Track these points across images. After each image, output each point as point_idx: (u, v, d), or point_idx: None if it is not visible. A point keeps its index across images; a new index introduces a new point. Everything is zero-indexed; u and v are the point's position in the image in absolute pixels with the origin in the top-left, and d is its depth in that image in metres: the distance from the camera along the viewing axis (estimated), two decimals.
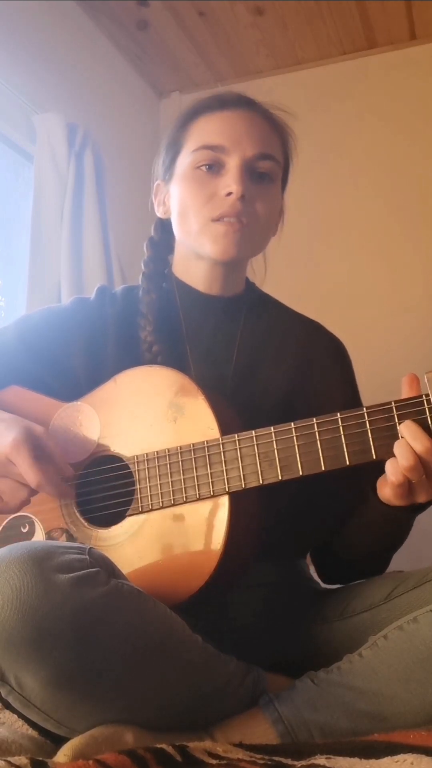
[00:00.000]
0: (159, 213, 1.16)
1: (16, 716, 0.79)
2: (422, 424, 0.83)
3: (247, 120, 1.06)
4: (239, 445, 0.89)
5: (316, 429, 0.87)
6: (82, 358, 1.08)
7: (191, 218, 1.05)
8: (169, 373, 0.97)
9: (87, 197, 2.12)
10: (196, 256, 1.09)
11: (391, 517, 0.94)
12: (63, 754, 0.72)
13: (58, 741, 0.77)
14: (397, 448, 0.83)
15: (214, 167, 1.05)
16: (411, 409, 0.83)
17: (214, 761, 0.71)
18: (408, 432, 0.83)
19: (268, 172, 1.06)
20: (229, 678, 0.85)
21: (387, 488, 0.88)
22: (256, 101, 1.11)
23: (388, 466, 0.85)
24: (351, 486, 0.98)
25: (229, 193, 1.02)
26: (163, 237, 1.15)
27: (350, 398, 1.12)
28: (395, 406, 0.84)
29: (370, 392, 1.09)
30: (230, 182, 1.02)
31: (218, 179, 1.04)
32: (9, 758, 0.67)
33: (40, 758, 0.70)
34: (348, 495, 1.01)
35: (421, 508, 0.93)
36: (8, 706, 0.78)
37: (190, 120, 1.09)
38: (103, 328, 1.10)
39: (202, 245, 1.06)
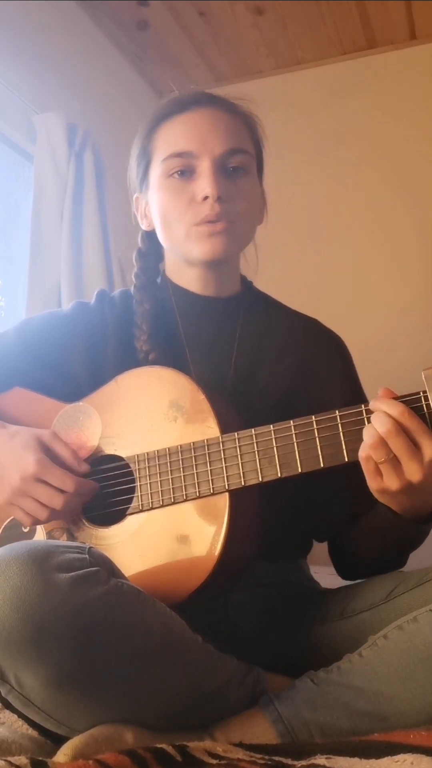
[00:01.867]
0: (143, 226, 1.15)
1: (16, 716, 0.79)
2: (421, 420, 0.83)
3: (209, 118, 1.06)
4: (239, 443, 0.89)
5: (315, 426, 0.87)
6: (83, 361, 1.08)
7: (174, 227, 1.06)
8: (169, 373, 0.98)
9: (87, 197, 2.13)
10: (186, 262, 1.09)
11: (395, 524, 0.93)
12: (63, 754, 0.72)
13: (58, 741, 0.77)
14: (365, 429, 0.84)
15: (186, 172, 1.04)
16: (409, 405, 0.83)
17: (214, 761, 0.71)
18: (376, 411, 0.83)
19: (241, 166, 1.06)
20: (229, 678, 0.85)
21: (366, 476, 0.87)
22: (217, 95, 1.10)
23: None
24: (351, 485, 0.98)
25: (206, 197, 1.02)
26: (151, 247, 1.15)
27: (352, 394, 1.12)
28: None
29: (371, 391, 1.09)
30: (204, 186, 1.02)
31: (193, 184, 1.04)
32: (9, 758, 0.67)
33: (40, 758, 0.70)
34: (348, 494, 1.01)
35: (426, 519, 0.92)
36: (8, 706, 0.78)
37: (154, 128, 1.09)
38: (103, 331, 1.11)
39: (189, 251, 1.06)
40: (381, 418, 0.82)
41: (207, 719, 0.83)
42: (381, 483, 0.84)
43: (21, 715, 0.79)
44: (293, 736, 0.80)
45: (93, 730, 0.75)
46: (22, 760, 0.67)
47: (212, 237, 1.03)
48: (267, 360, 1.11)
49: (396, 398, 0.84)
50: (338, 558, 1.11)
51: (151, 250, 1.16)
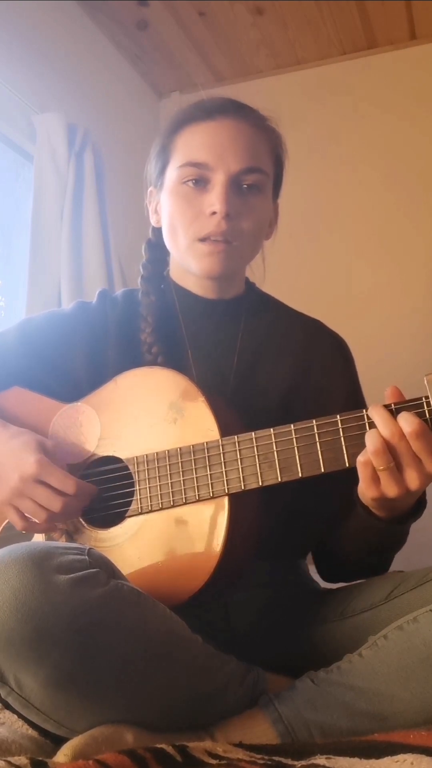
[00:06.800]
0: (153, 221, 1.15)
1: (16, 716, 0.79)
2: None
3: (232, 131, 1.04)
4: (239, 446, 0.89)
5: (315, 431, 0.86)
6: (84, 361, 1.08)
7: (179, 236, 1.06)
8: (169, 374, 0.97)
9: (87, 197, 2.12)
10: (187, 270, 1.10)
11: (373, 526, 0.93)
12: (63, 754, 0.72)
13: (58, 741, 0.77)
14: (367, 434, 0.83)
15: (200, 182, 1.04)
16: (411, 410, 0.83)
17: (214, 761, 0.71)
18: (378, 417, 0.83)
19: (255, 184, 1.05)
20: (229, 678, 0.85)
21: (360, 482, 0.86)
22: (245, 106, 1.09)
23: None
24: (341, 486, 0.97)
25: (214, 213, 1.02)
26: (160, 239, 1.15)
27: (352, 396, 1.12)
28: (395, 408, 0.84)
29: (374, 393, 1.09)
30: (214, 201, 1.02)
31: (204, 196, 1.04)
32: (9, 758, 0.67)
33: (40, 758, 0.70)
34: (337, 498, 1.00)
35: (403, 519, 0.92)
36: (8, 707, 0.79)
37: (177, 129, 1.08)
38: (104, 331, 1.11)
39: (189, 263, 1.06)
40: (386, 420, 0.81)
41: (207, 719, 0.83)
42: (377, 490, 0.83)
43: (21, 716, 0.79)
44: (293, 736, 0.81)
45: (93, 731, 0.75)
46: (22, 760, 0.67)
47: (211, 256, 1.03)
48: (269, 361, 1.11)
49: (398, 403, 0.84)
50: (320, 560, 1.11)
51: (161, 241, 1.15)
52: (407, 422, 0.81)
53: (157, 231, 1.16)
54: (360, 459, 0.83)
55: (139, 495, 0.93)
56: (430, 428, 0.82)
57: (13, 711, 0.78)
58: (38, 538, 0.98)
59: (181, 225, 1.05)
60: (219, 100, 1.09)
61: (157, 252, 1.16)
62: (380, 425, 0.82)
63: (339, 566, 1.08)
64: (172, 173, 1.07)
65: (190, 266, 1.06)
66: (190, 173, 1.04)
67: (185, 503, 0.90)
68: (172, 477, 0.91)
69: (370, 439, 0.82)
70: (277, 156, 1.12)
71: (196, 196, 1.04)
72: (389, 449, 0.81)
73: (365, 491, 0.85)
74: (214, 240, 1.02)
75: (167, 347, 1.07)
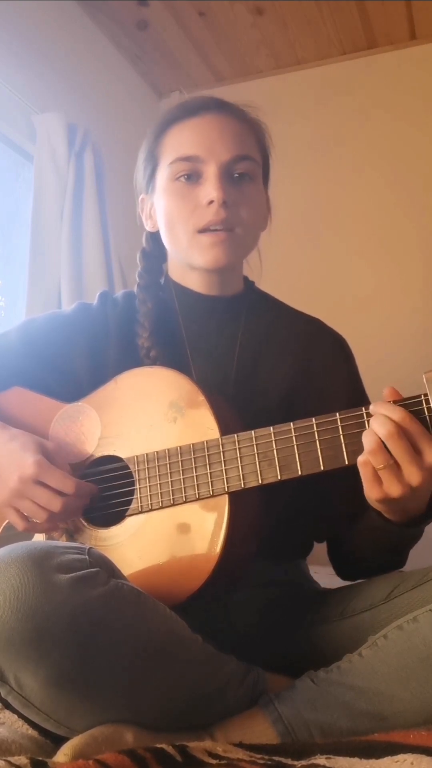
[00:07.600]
0: (147, 227, 1.16)
1: (16, 716, 0.79)
2: (422, 425, 0.83)
3: (217, 124, 1.06)
4: (238, 445, 0.89)
5: (315, 429, 0.87)
6: (85, 361, 1.08)
7: (179, 232, 1.06)
8: (169, 373, 0.98)
9: (87, 197, 2.13)
10: (190, 266, 1.10)
11: (387, 529, 0.92)
12: (63, 754, 0.72)
13: (58, 741, 0.77)
14: (364, 434, 0.83)
15: (193, 177, 1.05)
16: (410, 408, 0.83)
17: (214, 761, 0.71)
18: (376, 416, 0.83)
19: (246, 173, 1.06)
20: (229, 678, 0.85)
21: (363, 483, 0.86)
22: (226, 102, 1.10)
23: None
24: (351, 485, 0.97)
25: (211, 201, 1.02)
26: (155, 247, 1.16)
27: (354, 394, 1.12)
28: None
29: (376, 393, 1.08)
30: (210, 190, 1.02)
31: (198, 189, 1.04)
32: (9, 758, 0.67)
33: (40, 758, 0.70)
34: (348, 494, 1.00)
35: (416, 522, 0.92)
36: (8, 706, 0.79)
37: (162, 132, 1.09)
38: (104, 331, 1.11)
39: (192, 257, 1.06)
40: (382, 421, 0.82)
41: (207, 719, 0.83)
42: (380, 490, 0.83)
43: (21, 716, 0.79)
44: (293, 736, 0.81)
45: (93, 730, 0.75)
46: (22, 760, 0.67)
47: (215, 247, 1.03)
48: (269, 359, 1.11)
49: (397, 401, 0.84)
50: (336, 558, 1.11)
51: (155, 250, 1.16)
52: (391, 411, 0.81)
53: (152, 238, 1.16)
54: (360, 459, 0.83)
55: (140, 494, 0.93)
56: (429, 425, 0.82)
57: (13, 710, 0.78)
58: (39, 537, 0.98)
59: (180, 220, 1.05)
60: (200, 98, 1.10)
61: (153, 260, 1.16)
62: (375, 422, 0.82)
63: (354, 564, 1.08)
64: (163, 173, 1.08)
65: (195, 260, 1.06)
66: (181, 168, 1.05)
67: (185, 502, 0.90)
68: (172, 476, 0.91)
69: (367, 439, 0.82)
70: (263, 145, 1.12)
71: (190, 190, 1.04)
72: (399, 442, 0.81)
73: (369, 492, 0.85)
74: (214, 229, 1.03)
75: (166, 348, 1.07)
